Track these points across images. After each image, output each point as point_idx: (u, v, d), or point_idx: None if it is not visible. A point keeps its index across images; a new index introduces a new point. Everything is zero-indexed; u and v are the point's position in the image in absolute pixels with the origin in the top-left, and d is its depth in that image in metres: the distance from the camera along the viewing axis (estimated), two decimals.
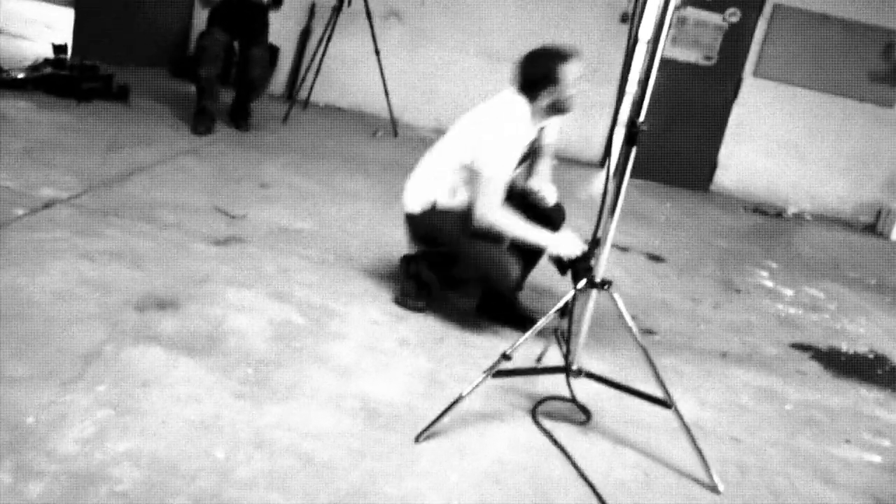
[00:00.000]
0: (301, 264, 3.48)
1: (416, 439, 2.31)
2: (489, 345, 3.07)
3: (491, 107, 3.10)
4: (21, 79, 5.37)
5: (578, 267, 2.70)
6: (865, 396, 3.35)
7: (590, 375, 2.53)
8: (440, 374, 2.77)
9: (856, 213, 7.47)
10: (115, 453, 1.94)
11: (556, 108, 3.07)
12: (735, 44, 7.23)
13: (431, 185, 3.17)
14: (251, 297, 3.03)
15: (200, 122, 5.47)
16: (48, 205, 3.48)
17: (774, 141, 7.44)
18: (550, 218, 3.17)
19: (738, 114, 7.42)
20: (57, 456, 1.89)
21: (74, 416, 2.04)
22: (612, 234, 2.46)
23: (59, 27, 7.84)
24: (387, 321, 3.11)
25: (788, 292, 4.67)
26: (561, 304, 2.47)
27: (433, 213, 3.16)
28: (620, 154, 2.38)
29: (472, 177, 3.03)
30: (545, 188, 3.27)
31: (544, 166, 3.33)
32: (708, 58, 7.24)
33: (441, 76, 7.44)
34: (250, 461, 2.04)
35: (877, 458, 2.82)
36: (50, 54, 5.96)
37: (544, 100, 3.02)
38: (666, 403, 2.44)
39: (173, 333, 2.62)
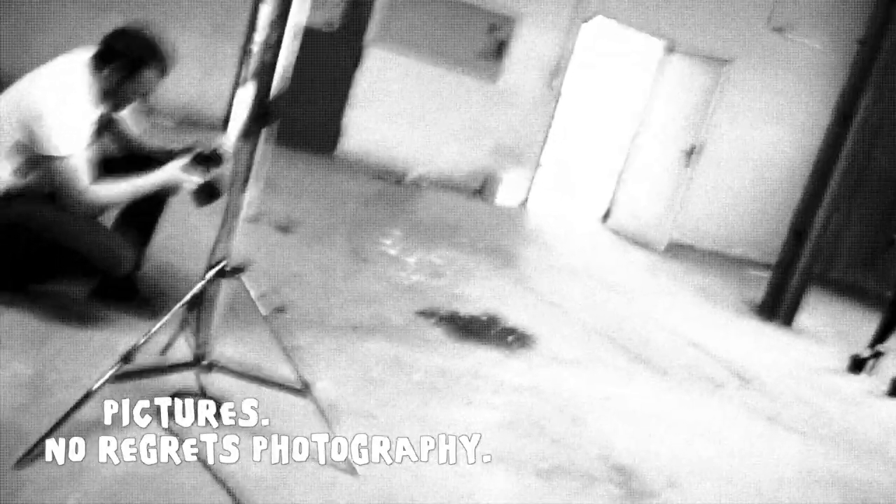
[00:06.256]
0: None
1: (17, 465, 1.96)
2: (107, 338, 2.73)
3: (46, 77, 2.68)
4: None
5: (213, 186, 2.71)
6: (483, 358, 3.62)
7: (222, 369, 2.36)
8: (46, 380, 2.39)
9: (467, 179, 8.08)
10: None
11: (112, 97, 2.78)
12: (358, 11, 7.35)
13: None
14: None
15: None
16: None
17: (395, 109, 7.73)
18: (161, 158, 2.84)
19: (362, 81, 7.57)
20: None
21: None
22: (244, 212, 2.30)
23: None
24: None
25: (411, 260, 4.89)
26: (189, 296, 2.25)
27: (8, 201, 2.68)
28: (252, 131, 2.21)
29: (39, 158, 2.62)
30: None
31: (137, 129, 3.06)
32: (330, 24, 7.26)
33: None
34: None
35: (495, 416, 3.05)
36: None
37: (109, 80, 2.72)
38: (302, 392, 2.36)
39: None
